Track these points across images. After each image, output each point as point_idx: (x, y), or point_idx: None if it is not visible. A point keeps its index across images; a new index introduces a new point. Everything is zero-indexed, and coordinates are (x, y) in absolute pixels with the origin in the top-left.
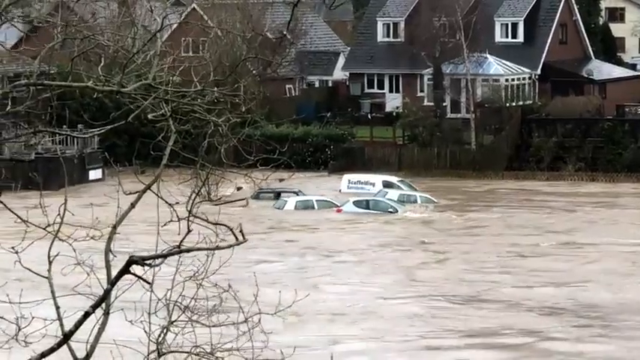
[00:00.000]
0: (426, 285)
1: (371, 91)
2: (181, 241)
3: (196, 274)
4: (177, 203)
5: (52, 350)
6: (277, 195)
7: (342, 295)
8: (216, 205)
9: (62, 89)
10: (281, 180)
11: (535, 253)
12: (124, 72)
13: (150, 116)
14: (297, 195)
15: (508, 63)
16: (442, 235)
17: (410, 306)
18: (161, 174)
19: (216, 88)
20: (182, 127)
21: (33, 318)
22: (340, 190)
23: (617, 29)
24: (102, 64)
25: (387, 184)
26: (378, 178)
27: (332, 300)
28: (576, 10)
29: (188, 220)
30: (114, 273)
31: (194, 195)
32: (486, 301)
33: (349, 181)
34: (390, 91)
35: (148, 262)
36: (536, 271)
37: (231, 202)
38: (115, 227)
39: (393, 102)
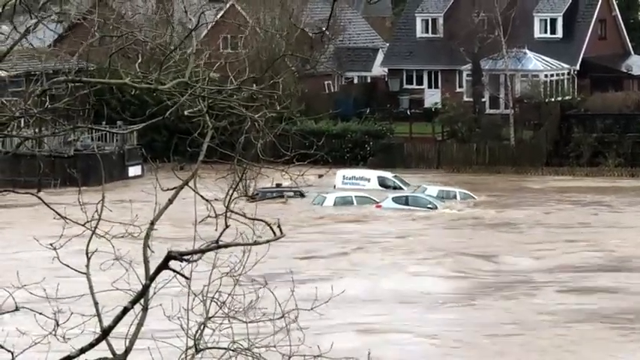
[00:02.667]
0: (470, 284)
1: (410, 86)
2: (219, 237)
3: (233, 270)
4: (215, 200)
5: (91, 346)
6: (281, 194)
7: (381, 290)
8: (253, 202)
9: (100, 86)
10: (320, 176)
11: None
12: (161, 69)
13: (186, 112)
14: (302, 195)
15: (547, 58)
16: (482, 232)
17: (451, 304)
18: (198, 170)
19: (254, 85)
20: (219, 123)
21: (72, 314)
22: (335, 186)
23: None
24: (139, 60)
25: (382, 180)
26: (372, 174)
27: (370, 295)
28: (615, 6)
29: (226, 216)
30: (152, 268)
31: (231, 191)
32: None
33: (344, 176)
34: (429, 86)
35: (186, 257)
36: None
37: (269, 198)
38: (152, 223)
39: (432, 98)
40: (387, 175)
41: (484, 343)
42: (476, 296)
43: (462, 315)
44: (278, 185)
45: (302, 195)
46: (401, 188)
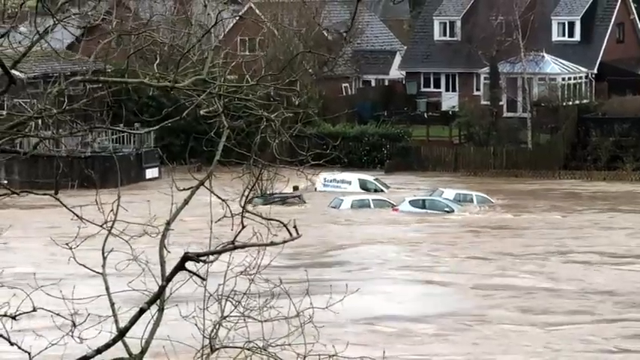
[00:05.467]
0: (483, 290)
1: (427, 90)
2: (235, 237)
3: (248, 270)
4: (232, 200)
5: (107, 346)
6: (283, 200)
7: (395, 291)
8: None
9: (117, 86)
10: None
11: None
12: (177, 68)
13: (202, 112)
14: (303, 201)
15: (565, 62)
16: (498, 236)
17: (463, 304)
18: (214, 170)
19: (271, 84)
20: (234, 123)
21: (88, 314)
22: (316, 189)
23: None
24: (157, 61)
25: (363, 183)
26: (353, 177)
27: (383, 295)
28: (633, 9)
29: (242, 217)
30: (168, 269)
31: (247, 191)
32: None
33: (325, 179)
34: (447, 90)
35: (202, 258)
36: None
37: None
38: (168, 223)
39: (450, 101)
40: (368, 177)
41: (502, 345)
42: (491, 300)
43: (478, 317)
44: (295, 188)
45: (303, 201)
46: (382, 191)
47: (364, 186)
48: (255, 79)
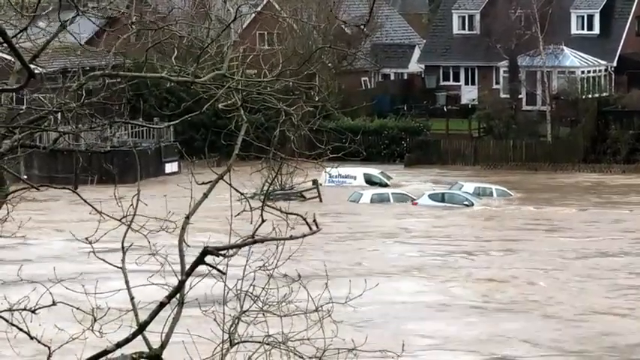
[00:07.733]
0: (505, 282)
1: (446, 83)
2: (254, 231)
3: (266, 264)
4: (253, 196)
5: (127, 340)
6: (288, 196)
7: (413, 284)
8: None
9: (137, 80)
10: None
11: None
12: (197, 62)
13: (220, 106)
14: (304, 197)
15: (584, 55)
16: (518, 230)
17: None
18: (233, 164)
19: (290, 78)
20: (253, 117)
21: (108, 309)
22: (321, 184)
23: None
24: (175, 54)
25: (368, 177)
26: (358, 171)
27: (403, 290)
28: None
29: (262, 210)
30: (187, 263)
31: (267, 185)
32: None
33: (330, 175)
34: (466, 83)
35: (222, 252)
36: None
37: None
38: (188, 217)
39: (469, 94)
40: (373, 172)
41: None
42: (512, 295)
43: (495, 311)
44: (314, 182)
45: (304, 197)
46: (386, 185)
47: (369, 180)
48: (274, 74)
